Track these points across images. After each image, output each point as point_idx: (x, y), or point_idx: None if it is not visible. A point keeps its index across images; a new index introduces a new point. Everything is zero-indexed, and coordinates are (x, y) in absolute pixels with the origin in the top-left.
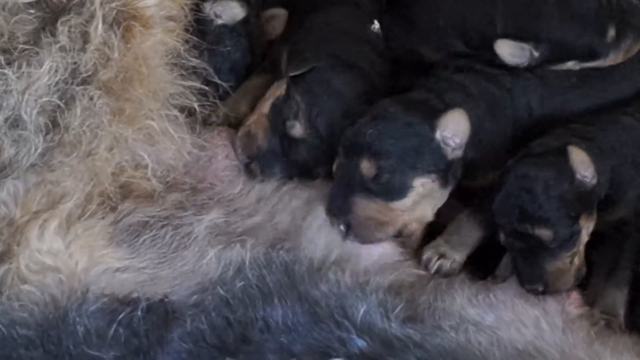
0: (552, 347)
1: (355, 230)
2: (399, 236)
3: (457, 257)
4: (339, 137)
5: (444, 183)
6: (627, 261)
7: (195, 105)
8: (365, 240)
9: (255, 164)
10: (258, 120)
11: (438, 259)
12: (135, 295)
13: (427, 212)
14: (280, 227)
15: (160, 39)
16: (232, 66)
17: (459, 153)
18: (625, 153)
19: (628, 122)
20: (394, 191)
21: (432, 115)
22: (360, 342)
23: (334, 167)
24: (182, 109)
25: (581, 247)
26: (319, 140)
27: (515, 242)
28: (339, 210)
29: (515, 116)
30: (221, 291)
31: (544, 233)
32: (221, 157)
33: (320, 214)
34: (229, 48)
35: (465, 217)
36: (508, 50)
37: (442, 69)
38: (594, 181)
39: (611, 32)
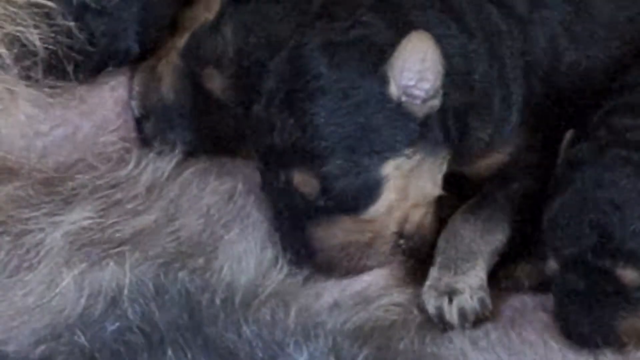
0: None
1: (330, 269)
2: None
3: (474, 283)
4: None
5: (429, 147)
6: None
7: None
8: (354, 274)
9: (151, 123)
10: (169, 56)
11: (449, 301)
12: None
13: (426, 187)
14: (185, 234)
15: None
16: None
17: (435, 102)
18: None
19: None
20: (360, 198)
21: (377, 57)
22: None
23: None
24: None
25: None
26: (241, 107)
27: (578, 281)
28: (297, 250)
29: (531, 59)
30: (82, 338)
31: (629, 275)
32: (108, 122)
33: (254, 213)
34: None
35: (461, 217)
36: None
37: None
38: None
39: None
